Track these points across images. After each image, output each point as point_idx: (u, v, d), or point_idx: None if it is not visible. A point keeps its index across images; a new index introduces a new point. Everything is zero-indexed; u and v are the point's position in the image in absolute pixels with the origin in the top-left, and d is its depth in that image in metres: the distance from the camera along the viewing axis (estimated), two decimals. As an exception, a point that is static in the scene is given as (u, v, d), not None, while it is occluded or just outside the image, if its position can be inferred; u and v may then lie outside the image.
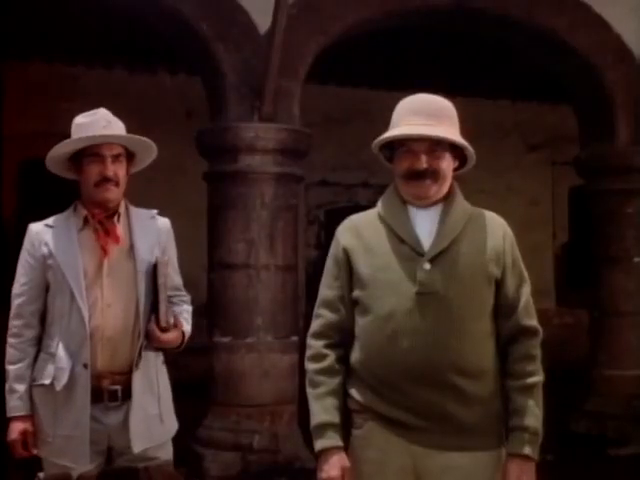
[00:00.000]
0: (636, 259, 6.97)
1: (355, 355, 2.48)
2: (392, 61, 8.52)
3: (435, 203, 2.49)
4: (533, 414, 2.41)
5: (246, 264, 5.91)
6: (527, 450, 2.38)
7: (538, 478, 2.45)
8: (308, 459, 5.57)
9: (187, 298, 3.18)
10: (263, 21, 5.88)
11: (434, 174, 2.44)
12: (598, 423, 6.85)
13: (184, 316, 3.09)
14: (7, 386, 2.94)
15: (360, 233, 2.52)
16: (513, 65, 8.45)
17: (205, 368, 5.98)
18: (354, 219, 2.60)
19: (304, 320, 7.99)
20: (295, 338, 6.03)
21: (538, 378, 2.46)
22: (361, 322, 2.46)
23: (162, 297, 2.88)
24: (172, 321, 2.93)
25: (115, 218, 2.95)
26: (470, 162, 2.55)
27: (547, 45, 6.94)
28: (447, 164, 2.47)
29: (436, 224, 2.46)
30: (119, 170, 2.92)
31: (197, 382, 5.94)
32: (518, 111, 10.62)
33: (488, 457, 2.40)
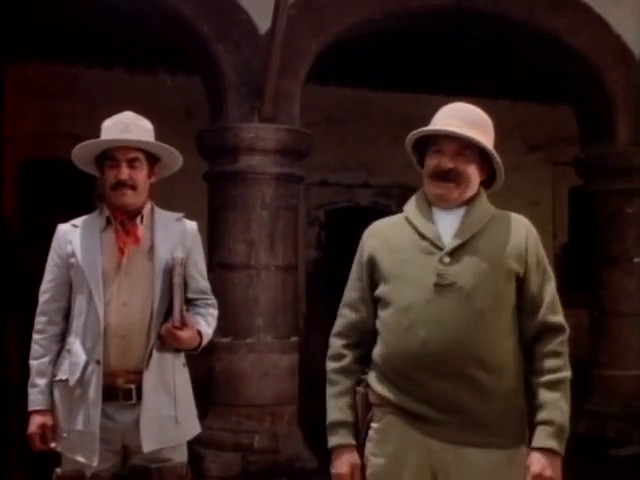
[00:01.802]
0: (636, 259, 6.97)
1: (376, 349, 2.51)
2: (392, 61, 8.51)
3: (459, 206, 2.52)
4: (558, 408, 2.36)
5: (246, 264, 5.91)
6: (551, 443, 2.33)
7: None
8: (308, 459, 5.57)
9: (213, 302, 3.18)
10: (263, 21, 5.89)
11: (458, 177, 2.47)
12: (598, 423, 6.85)
13: (207, 319, 3.10)
14: (29, 381, 3.00)
15: (384, 234, 2.57)
16: (513, 65, 8.43)
17: (205, 368, 5.98)
18: (379, 222, 2.66)
19: (304, 320, 8.01)
20: (295, 338, 6.03)
21: (563, 374, 2.41)
22: (382, 316, 2.49)
23: (177, 296, 2.88)
24: (187, 321, 2.91)
25: (138, 219, 2.98)
26: (499, 178, 2.58)
27: (547, 45, 6.94)
28: (473, 170, 2.50)
29: (458, 222, 2.49)
30: (136, 174, 2.94)
31: (197, 382, 5.92)
32: (518, 111, 10.59)
33: (506, 456, 2.37)
